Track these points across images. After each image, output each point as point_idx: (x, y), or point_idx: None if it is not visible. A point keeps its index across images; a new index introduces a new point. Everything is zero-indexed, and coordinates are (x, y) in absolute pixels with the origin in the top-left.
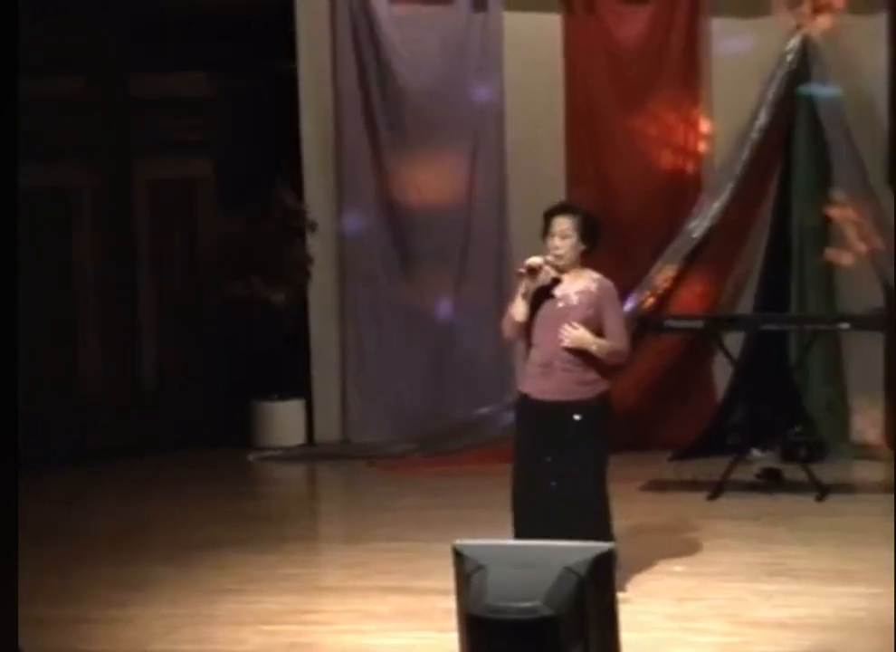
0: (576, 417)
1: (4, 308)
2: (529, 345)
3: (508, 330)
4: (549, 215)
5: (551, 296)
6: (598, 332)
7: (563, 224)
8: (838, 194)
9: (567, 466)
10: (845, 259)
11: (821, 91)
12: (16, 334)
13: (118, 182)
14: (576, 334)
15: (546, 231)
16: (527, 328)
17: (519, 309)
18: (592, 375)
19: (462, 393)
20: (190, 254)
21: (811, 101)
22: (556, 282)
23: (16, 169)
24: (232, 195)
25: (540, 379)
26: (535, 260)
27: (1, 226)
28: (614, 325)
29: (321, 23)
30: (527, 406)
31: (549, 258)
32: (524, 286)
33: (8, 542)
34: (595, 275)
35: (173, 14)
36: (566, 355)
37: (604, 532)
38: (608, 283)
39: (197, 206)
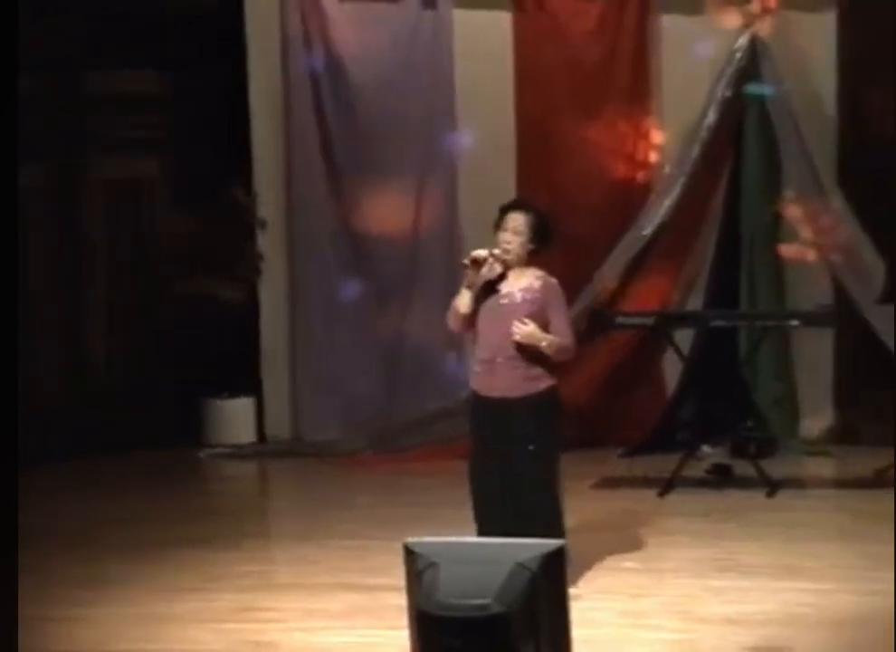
0: (524, 417)
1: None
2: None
3: (452, 322)
4: (504, 211)
5: (496, 292)
6: (543, 330)
7: (517, 220)
8: (788, 193)
9: (518, 463)
10: (810, 256)
11: (770, 88)
12: (17, 334)
13: (69, 180)
14: (526, 330)
15: (498, 225)
16: (473, 322)
17: (463, 301)
18: (537, 371)
19: (414, 390)
20: (141, 252)
21: (760, 99)
22: (501, 277)
23: (16, 169)
24: (183, 193)
25: (485, 376)
26: (480, 252)
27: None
28: (560, 323)
29: (272, 21)
30: (477, 402)
31: (496, 252)
32: (469, 278)
33: (7, 543)
34: (540, 273)
35: (124, 12)
36: (510, 351)
37: (555, 529)
38: (553, 281)
39: (148, 204)
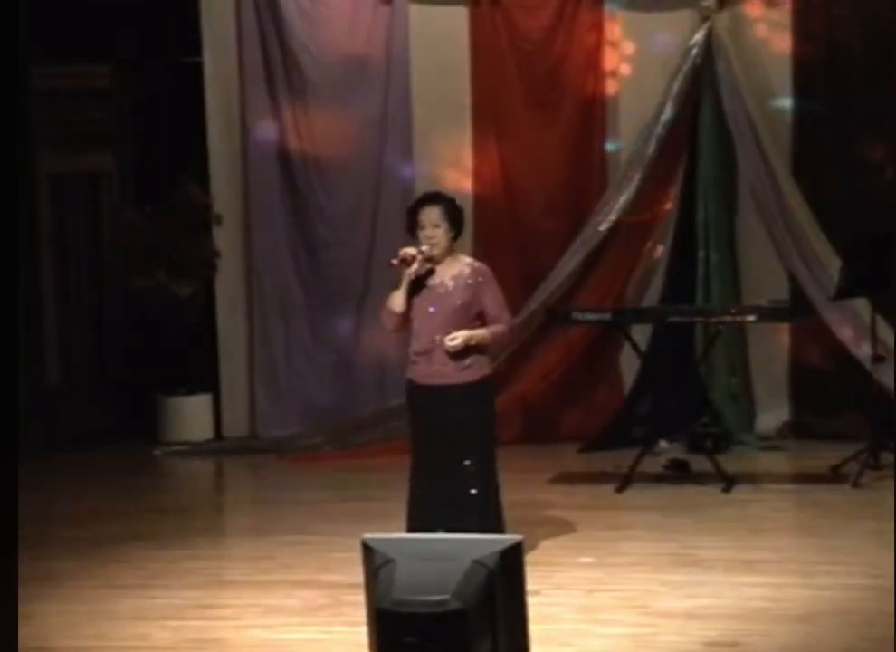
0: (460, 405)
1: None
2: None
3: (388, 322)
4: (416, 208)
5: (427, 285)
6: (478, 315)
7: (432, 213)
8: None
9: (454, 450)
10: None
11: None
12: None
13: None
14: (457, 342)
15: (414, 225)
16: (407, 319)
17: (397, 300)
18: (472, 359)
19: (371, 386)
20: (94, 248)
21: (715, 94)
22: (430, 272)
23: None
24: (136, 188)
25: (422, 365)
26: (409, 250)
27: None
28: (494, 306)
29: (227, 15)
30: (412, 391)
31: (424, 249)
32: (404, 277)
33: (7, 543)
34: (468, 260)
35: (77, 5)
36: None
37: (492, 517)
38: (482, 266)
39: (102, 199)
